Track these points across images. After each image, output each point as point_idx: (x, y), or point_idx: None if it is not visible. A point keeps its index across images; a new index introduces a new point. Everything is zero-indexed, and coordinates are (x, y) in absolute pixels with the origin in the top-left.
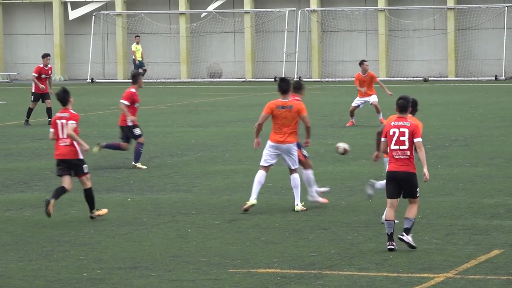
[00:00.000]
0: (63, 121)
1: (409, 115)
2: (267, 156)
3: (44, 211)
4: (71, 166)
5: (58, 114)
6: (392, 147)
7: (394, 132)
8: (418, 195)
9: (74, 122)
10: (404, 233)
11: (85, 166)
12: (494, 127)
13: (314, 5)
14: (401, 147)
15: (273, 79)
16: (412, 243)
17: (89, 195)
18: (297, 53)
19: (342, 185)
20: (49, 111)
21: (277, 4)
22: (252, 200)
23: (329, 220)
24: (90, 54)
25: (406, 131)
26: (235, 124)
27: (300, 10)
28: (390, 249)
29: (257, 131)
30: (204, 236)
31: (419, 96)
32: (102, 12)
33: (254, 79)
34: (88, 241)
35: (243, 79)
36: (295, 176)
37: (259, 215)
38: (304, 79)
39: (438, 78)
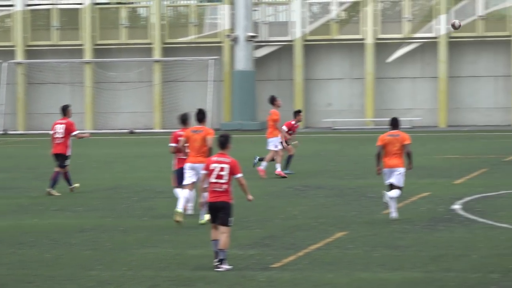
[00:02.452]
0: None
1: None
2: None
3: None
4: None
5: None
6: (212, 180)
7: (214, 167)
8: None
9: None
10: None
11: None
12: None
13: (19, 57)
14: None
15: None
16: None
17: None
18: (3, 106)
19: (46, 237)
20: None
21: None
22: None
23: (35, 274)
24: None
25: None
26: None
27: (6, 63)
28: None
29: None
30: None
31: (125, 148)
32: None
33: None
34: None
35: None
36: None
37: None
38: (10, 132)
39: (144, 130)
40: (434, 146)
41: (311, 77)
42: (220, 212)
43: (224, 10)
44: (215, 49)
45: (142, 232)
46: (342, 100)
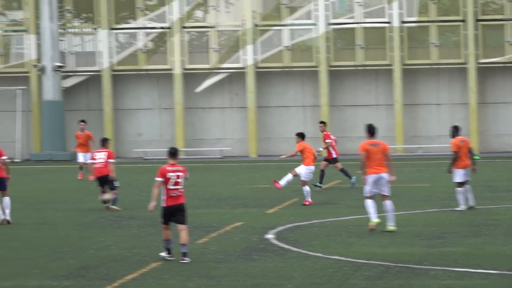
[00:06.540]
0: None
1: None
2: None
3: None
4: None
5: None
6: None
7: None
8: None
9: None
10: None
11: None
12: None
13: None
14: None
15: None
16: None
17: None
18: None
19: None
20: None
21: None
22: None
23: None
24: None
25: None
26: None
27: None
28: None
29: None
30: None
31: None
32: None
33: None
34: None
35: None
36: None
37: None
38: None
39: None
40: (245, 176)
41: (120, 107)
42: None
43: (30, 40)
44: (22, 79)
45: None
46: (152, 130)
